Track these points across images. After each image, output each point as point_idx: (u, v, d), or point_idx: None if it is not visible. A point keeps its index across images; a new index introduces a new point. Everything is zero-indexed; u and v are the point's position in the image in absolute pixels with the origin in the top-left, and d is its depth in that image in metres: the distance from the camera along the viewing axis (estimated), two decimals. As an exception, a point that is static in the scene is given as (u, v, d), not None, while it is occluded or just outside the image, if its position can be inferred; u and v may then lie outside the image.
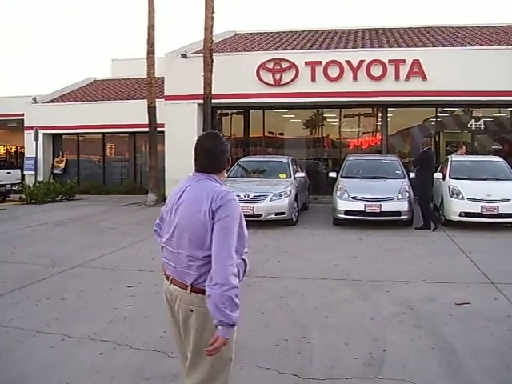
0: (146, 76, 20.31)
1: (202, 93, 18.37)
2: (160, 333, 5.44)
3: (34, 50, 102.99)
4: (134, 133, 25.88)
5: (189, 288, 3.00)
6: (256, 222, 13.12)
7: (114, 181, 26.66)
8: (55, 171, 26.96)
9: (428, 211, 13.09)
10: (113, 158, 27.83)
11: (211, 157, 3.13)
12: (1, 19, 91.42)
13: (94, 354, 4.96)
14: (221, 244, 2.87)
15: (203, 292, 2.92)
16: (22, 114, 27.35)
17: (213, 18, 18.45)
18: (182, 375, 4.50)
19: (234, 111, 22.77)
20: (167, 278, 3.18)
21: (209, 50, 18.31)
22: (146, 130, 20.46)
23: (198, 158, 3.16)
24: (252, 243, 11.13)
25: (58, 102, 28.27)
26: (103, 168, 27.37)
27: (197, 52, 20.47)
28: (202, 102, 18.83)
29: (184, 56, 20.49)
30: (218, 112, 22.26)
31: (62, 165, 27.18)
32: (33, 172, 25.12)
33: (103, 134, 26.97)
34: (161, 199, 19.76)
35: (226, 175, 3.25)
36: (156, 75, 20.18)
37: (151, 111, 19.93)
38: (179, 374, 4.51)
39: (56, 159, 27.49)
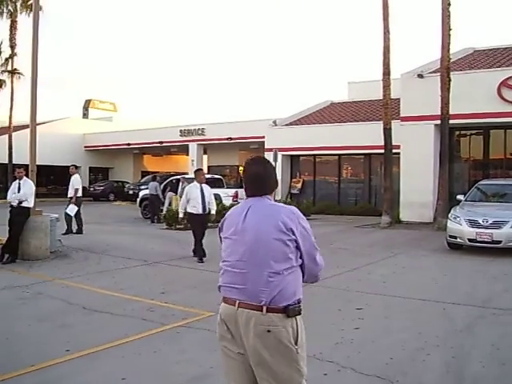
0: (381, 97, 20.35)
1: (439, 113, 17.89)
2: (386, 359, 5.38)
3: (276, 75, 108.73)
4: (369, 154, 26.03)
5: (264, 309, 2.96)
6: (494, 250, 12.38)
7: (349, 201, 27.02)
8: (292, 191, 28.10)
9: None
10: (348, 179, 28.28)
11: (262, 181, 3.25)
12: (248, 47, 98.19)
13: (318, 374, 5.02)
14: (314, 253, 3.16)
15: (281, 311, 2.97)
16: (263, 137, 29.00)
17: (449, 35, 17.94)
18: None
19: (473, 132, 21.73)
20: (230, 302, 3.09)
21: (446, 68, 17.82)
22: (382, 151, 20.43)
23: (250, 184, 3.27)
24: (490, 272, 10.52)
25: (297, 124, 29.52)
26: (338, 189, 27.89)
27: (433, 71, 20.04)
28: (438, 122, 18.37)
29: (420, 76, 20.19)
30: (456, 133, 21.45)
31: (299, 185, 28.24)
32: (272, 192, 26.48)
33: (339, 155, 27.52)
34: (395, 221, 19.56)
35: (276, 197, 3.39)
36: (392, 96, 20.11)
37: (387, 132, 19.87)
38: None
39: (293, 179, 28.66)
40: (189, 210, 11.84)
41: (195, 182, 11.99)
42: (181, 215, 12.32)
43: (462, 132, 21.81)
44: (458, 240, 12.92)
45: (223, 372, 3.22)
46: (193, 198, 11.71)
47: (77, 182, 16.42)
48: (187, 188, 12.15)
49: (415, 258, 12.28)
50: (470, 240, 12.64)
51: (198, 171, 12.50)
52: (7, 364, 5.31)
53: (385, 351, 5.65)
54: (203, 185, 11.94)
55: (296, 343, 3.00)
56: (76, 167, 16.83)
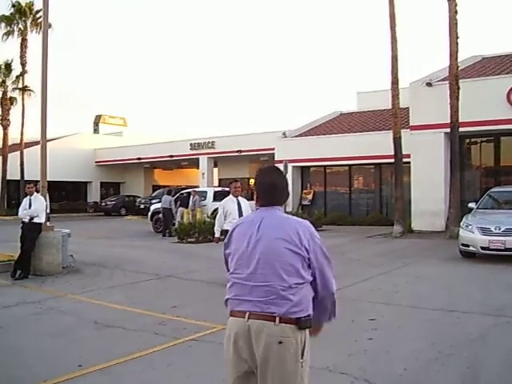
0: (390, 107, 20.34)
1: (449, 121, 17.86)
2: (400, 370, 5.33)
3: (285, 87, 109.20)
4: (379, 164, 25.99)
5: (277, 319, 2.91)
6: (507, 257, 12.27)
7: (360, 212, 26.95)
8: (303, 202, 28.08)
9: None
10: (359, 190, 28.25)
11: (279, 190, 3.18)
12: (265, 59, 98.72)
13: (331, 386, 5.01)
14: (328, 267, 3.12)
15: (293, 322, 2.93)
16: (273, 149, 29.06)
17: (457, 43, 17.96)
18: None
19: (483, 139, 21.62)
20: (239, 315, 3.00)
21: (454, 76, 17.82)
22: (392, 161, 20.40)
23: (266, 193, 3.17)
24: (503, 280, 10.42)
25: (306, 135, 29.55)
26: (349, 199, 27.85)
27: (442, 80, 20.05)
28: (448, 130, 18.33)
29: (429, 84, 20.18)
30: (466, 141, 21.37)
31: (310, 196, 28.22)
32: (283, 203, 26.48)
33: (349, 165, 27.50)
34: (407, 231, 19.48)
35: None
36: (401, 105, 20.09)
37: (396, 142, 19.83)
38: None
39: (304, 191, 28.65)
40: (224, 226, 10.06)
41: (231, 196, 10.53)
42: (217, 234, 10.32)
43: (473, 139, 21.72)
44: (471, 248, 12.83)
45: None
46: (229, 213, 10.15)
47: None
48: (223, 202, 10.66)
49: (428, 267, 12.20)
50: (482, 248, 12.54)
51: (232, 183, 10.80)
52: (21, 379, 5.32)
53: (398, 362, 5.60)
54: (240, 198, 10.44)
55: (302, 356, 2.98)
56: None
